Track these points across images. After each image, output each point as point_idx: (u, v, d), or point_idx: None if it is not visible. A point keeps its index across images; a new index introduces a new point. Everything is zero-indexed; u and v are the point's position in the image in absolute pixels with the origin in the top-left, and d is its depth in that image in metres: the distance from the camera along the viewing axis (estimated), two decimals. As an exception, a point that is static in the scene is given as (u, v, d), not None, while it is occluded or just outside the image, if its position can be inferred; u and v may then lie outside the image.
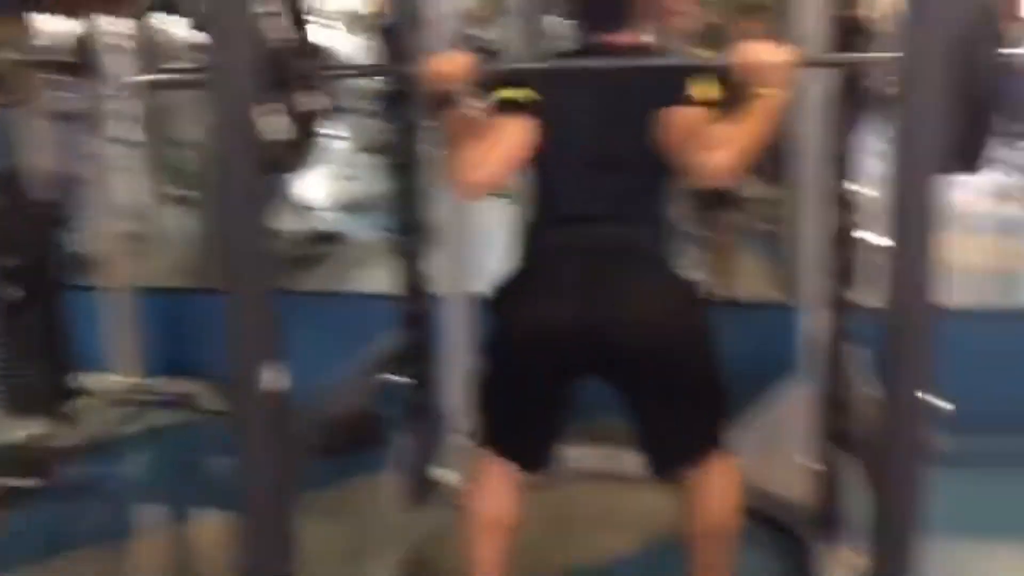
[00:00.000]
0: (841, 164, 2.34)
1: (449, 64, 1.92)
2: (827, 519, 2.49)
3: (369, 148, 7.60)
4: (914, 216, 1.43)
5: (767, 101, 1.82)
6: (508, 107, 1.97)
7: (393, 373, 2.48)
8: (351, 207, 7.34)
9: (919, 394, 1.50)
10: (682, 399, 1.97)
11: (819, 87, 2.49)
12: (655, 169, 1.97)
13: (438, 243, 2.73)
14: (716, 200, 4.11)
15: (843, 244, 2.35)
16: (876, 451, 1.61)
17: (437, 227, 2.71)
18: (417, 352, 2.61)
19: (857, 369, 2.18)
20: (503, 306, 2.04)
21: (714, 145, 1.83)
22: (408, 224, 2.56)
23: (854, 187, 2.33)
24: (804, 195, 2.85)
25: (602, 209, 1.97)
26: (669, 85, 1.93)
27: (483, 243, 2.98)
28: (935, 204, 1.42)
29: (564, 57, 2.17)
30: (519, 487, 2.09)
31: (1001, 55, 1.50)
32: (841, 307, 2.39)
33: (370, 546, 2.50)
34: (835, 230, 2.37)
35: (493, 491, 2.07)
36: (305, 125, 1.87)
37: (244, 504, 1.66)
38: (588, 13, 2.08)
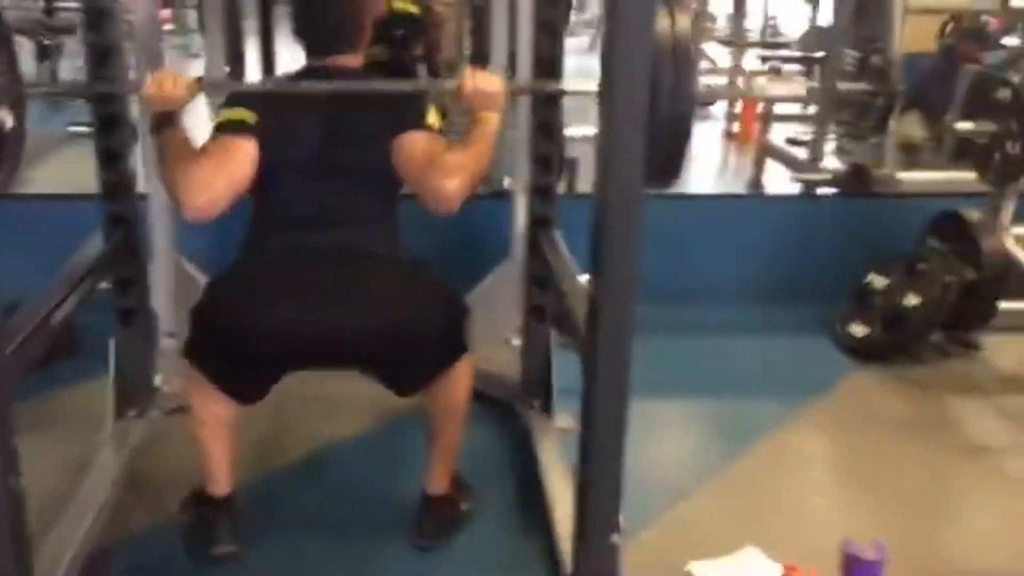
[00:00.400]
0: (548, 66, 2.49)
1: (171, 85, 1.91)
2: (532, 389, 2.71)
3: (16, 29, 6.89)
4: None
5: (488, 123, 1.99)
6: (229, 127, 2.01)
7: (100, 278, 2.34)
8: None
9: (628, 276, 1.67)
10: (412, 362, 2.09)
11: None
12: (381, 179, 2.06)
13: (139, 139, 2.58)
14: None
15: (545, 136, 2.52)
16: (585, 324, 1.77)
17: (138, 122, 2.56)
18: (124, 255, 2.48)
19: (554, 249, 2.36)
20: (212, 313, 2.03)
21: (448, 171, 1.94)
22: (106, 118, 2.39)
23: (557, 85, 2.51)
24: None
25: (327, 215, 2.04)
26: (395, 107, 2.07)
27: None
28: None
29: (291, 79, 2.20)
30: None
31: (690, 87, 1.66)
32: (539, 193, 2.57)
33: (85, 458, 2.39)
34: (537, 124, 2.53)
35: (209, 395, 2.08)
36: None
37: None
38: (308, 36, 2.14)
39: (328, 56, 2.12)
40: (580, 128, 3.63)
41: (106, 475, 2.34)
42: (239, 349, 2.01)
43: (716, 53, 7.86)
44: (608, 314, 1.68)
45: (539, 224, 2.57)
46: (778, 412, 2.93)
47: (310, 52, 2.16)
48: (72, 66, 6.55)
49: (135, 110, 2.49)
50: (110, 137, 2.41)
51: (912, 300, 3.25)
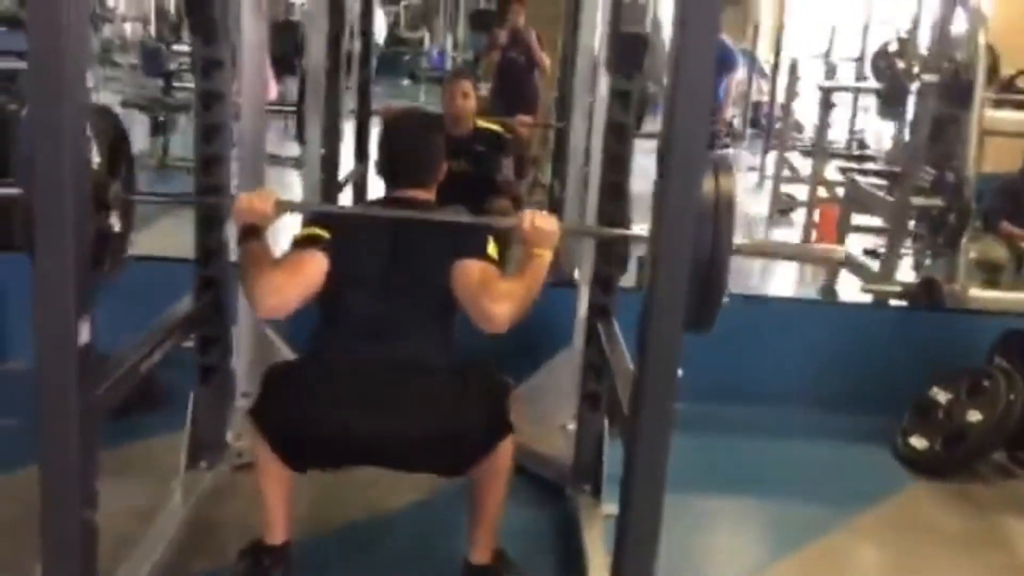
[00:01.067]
0: (617, 162, 2.64)
1: (261, 201, 2.21)
2: (583, 474, 2.78)
3: (133, 103, 7.39)
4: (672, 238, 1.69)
5: (541, 259, 2.18)
6: (306, 242, 2.23)
7: (186, 336, 2.52)
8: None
9: (669, 367, 1.75)
10: (461, 454, 2.23)
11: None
12: (439, 299, 2.23)
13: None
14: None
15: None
16: (629, 414, 1.86)
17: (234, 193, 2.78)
18: (210, 316, 2.66)
19: (612, 340, 2.45)
20: (282, 390, 2.21)
21: (498, 297, 2.12)
22: (208, 188, 2.60)
23: (626, 182, 2.65)
24: (576, 187, 3.14)
25: (385, 328, 2.22)
26: (458, 235, 2.27)
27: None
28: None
29: (370, 205, 2.51)
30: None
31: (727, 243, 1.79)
32: (601, 284, 2.68)
33: (154, 505, 2.54)
34: (604, 218, 2.67)
35: (270, 458, 2.23)
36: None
37: (45, 464, 1.70)
38: (388, 172, 2.40)
39: (403, 189, 2.36)
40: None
41: (173, 521, 2.47)
42: (295, 445, 2.19)
43: (800, 163, 7.96)
44: (649, 406, 1.75)
45: (598, 314, 2.67)
46: (829, 518, 2.93)
47: (389, 185, 2.41)
48: (185, 140, 6.96)
49: (233, 183, 2.72)
50: (210, 204, 2.62)
51: (974, 416, 3.24)
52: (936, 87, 4.22)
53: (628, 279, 3.19)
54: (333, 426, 2.13)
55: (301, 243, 2.25)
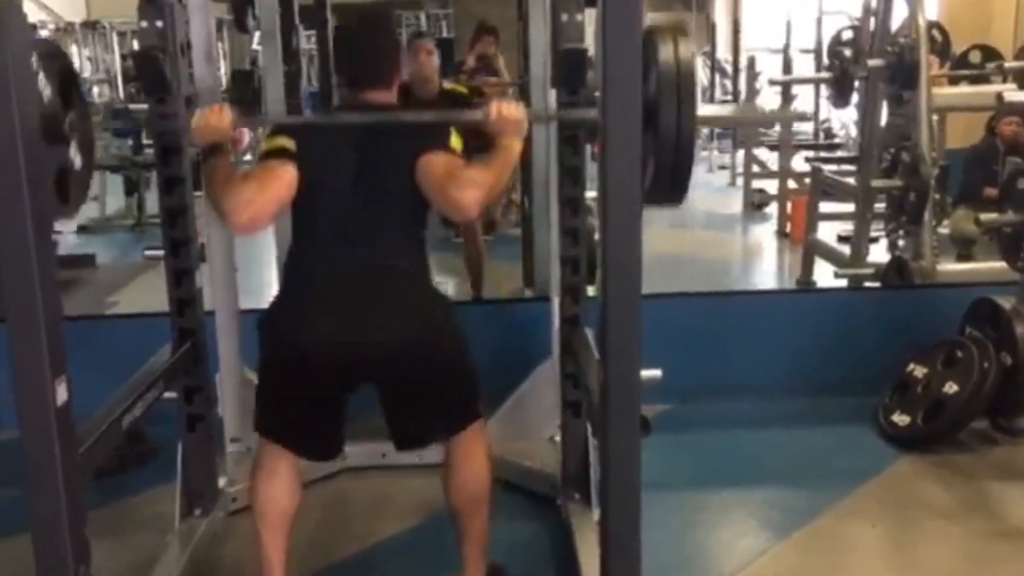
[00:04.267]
0: (572, 174, 2.70)
1: (217, 117, 2.20)
2: (572, 482, 2.83)
3: (105, 165, 7.44)
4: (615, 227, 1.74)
5: (509, 149, 2.20)
6: (273, 154, 2.22)
7: (167, 387, 2.56)
8: (92, 228, 7.15)
9: (631, 366, 1.80)
10: (425, 401, 2.25)
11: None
12: (411, 201, 2.23)
13: (204, 260, 2.85)
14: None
15: (572, 240, 2.71)
16: (599, 418, 1.90)
17: (203, 243, 2.83)
18: (190, 365, 2.71)
19: (584, 347, 2.51)
20: (270, 328, 2.25)
21: (464, 184, 2.13)
22: (176, 241, 2.65)
23: (582, 193, 2.71)
24: (544, 201, 3.20)
25: (358, 232, 2.21)
26: (420, 134, 2.25)
27: (248, 257, 3.11)
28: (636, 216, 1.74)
29: (332, 112, 2.41)
30: (298, 474, 2.30)
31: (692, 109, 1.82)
32: (569, 294, 2.74)
33: (153, 556, 2.57)
34: (565, 229, 2.73)
35: (274, 478, 2.25)
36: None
37: (35, 523, 1.73)
38: (347, 75, 2.41)
39: (363, 91, 2.34)
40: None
41: (172, 570, 2.50)
42: (289, 371, 2.19)
43: (769, 157, 8.06)
44: (615, 407, 1.80)
45: (570, 323, 2.73)
46: (820, 500, 2.98)
47: (349, 87, 2.40)
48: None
49: (203, 235, 2.77)
50: (179, 258, 2.67)
51: (951, 388, 3.30)
52: (883, 71, 4.30)
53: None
54: (319, 340, 2.14)
55: (268, 155, 2.23)
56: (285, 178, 2.19)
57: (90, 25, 13.33)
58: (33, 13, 12.74)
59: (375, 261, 2.21)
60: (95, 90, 12.26)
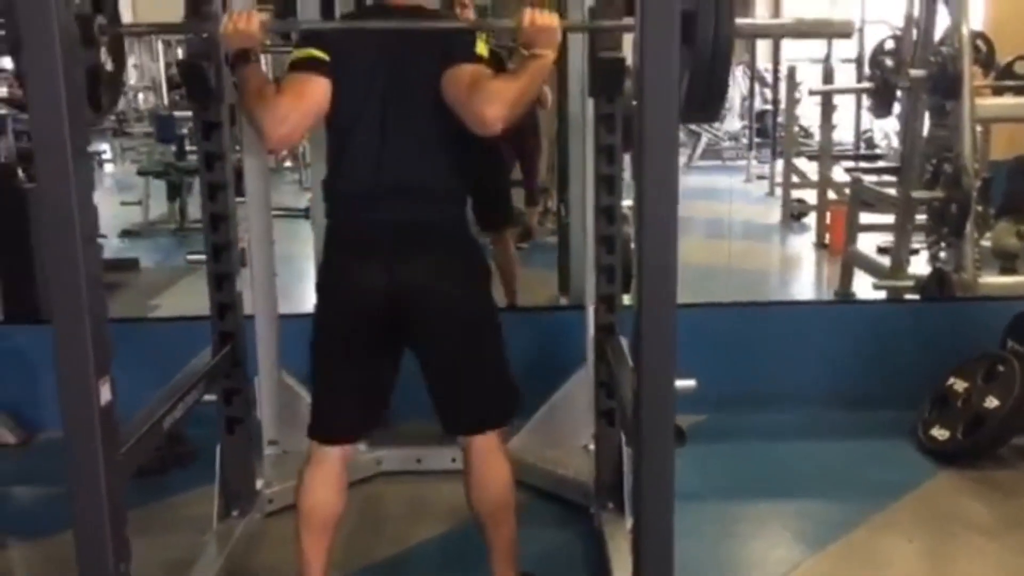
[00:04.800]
0: (608, 183, 2.71)
1: (245, 22, 2.11)
2: (606, 491, 2.83)
3: (149, 171, 7.58)
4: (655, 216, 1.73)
5: (542, 60, 2.10)
6: (304, 65, 2.15)
7: (207, 389, 2.60)
8: (136, 232, 7.27)
9: (665, 376, 1.80)
10: (467, 367, 2.26)
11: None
12: (441, 118, 2.13)
13: (245, 264, 2.89)
14: (501, 218, 4.49)
15: (607, 249, 2.71)
16: (632, 428, 1.90)
17: (244, 248, 2.88)
18: (230, 368, 2.75)
19: (619, 356, 2.51)
20: (322, 281, 2.27)
21: (490, 96, 2.04)
22: (217, 246, 2.69)
23: (618, 202, 2.71)
24: (580, 210, 3.21)
25: (393, 158, 2.15)
26: (447, 44, 2.16)
27: (288, 262, 3.16)
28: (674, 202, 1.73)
29: (355, 16, 2.40)
30: (346, 479, 2.32)
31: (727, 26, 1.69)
32: (604, 303, 2.75)
33: (191, 556, 2.61)
34: (600, 237, 2.73)
35: (324, 482, 2.27)
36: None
37: (77, 521, 1.77)
38: None
39: None
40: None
41: (209, 571, 2.54)
42: (340, 315, 2.22)
43: (808, 168, 7.99)
44: (649, 416, 1.80)
45: (604, 331, 2.73)
46: (856, 514, 2.96)
47: None
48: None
49: (243, 240, 2.81)
50: (220, 263, 2.71)
51: (991, 402, 3.25)
52: (924, 81, 4.26)
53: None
54: (365, 286, 2.16)
55: (299, 65, 2.16)
56: (319, 91, 2.13)
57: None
58: (81, 21, 12.99)
59: (415, 213, 2.17)
60: (139, 96, 12.46)
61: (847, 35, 2.31)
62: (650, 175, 1.68)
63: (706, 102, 1.78)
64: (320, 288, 2.28)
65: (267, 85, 2.15)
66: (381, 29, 2.26)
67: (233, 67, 2.19)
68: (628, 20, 1.82)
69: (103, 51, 1.99)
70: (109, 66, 2.03)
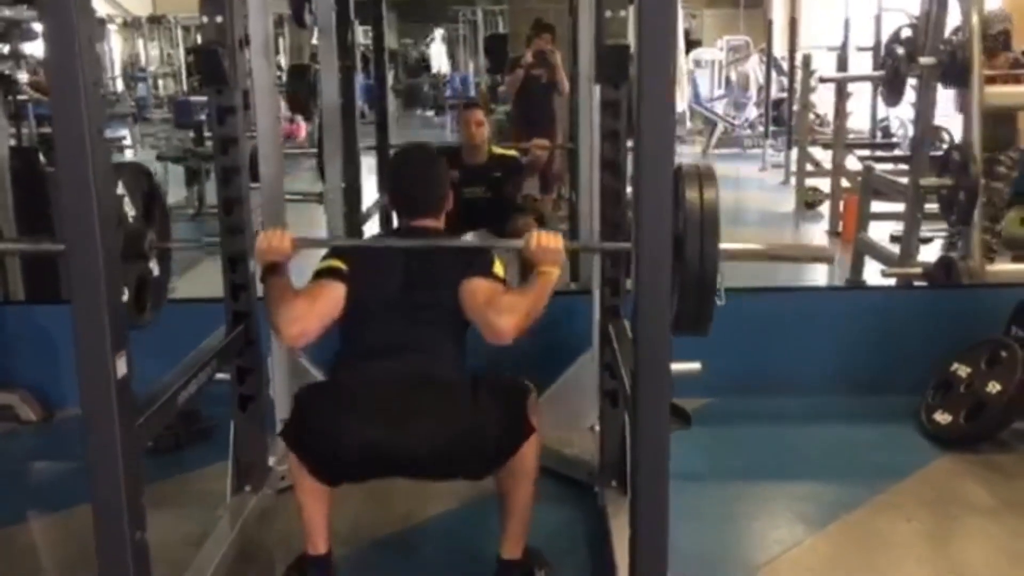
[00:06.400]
0: (613, 168, 2.76)
1: (278, 240, 2.37)
2: (610, 470, 2.89)
3: (167, 156, 7.67)
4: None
5: (547, 276, 2.33)
6: (325, 274, 2.41)
7: (220, 367, 2.67)
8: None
9: (661, 353, 1.85)
10: (483, 459, 2.34)
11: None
12: (451, 318, 2.39)
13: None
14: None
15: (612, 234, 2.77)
16: (631, 402, 1.96)
17: (257, 232, 2.93)
18: (243, 347, 2.82)
19: (622, 337, 2.57)
20: (309, 416, 2.34)
21: (503, 311, 2.27)
22: (231, 228, 2.76)
23: (623, 187, 2.77)
24: (587, 196, 3.26)
25: (402, 346, 2.36)
26: (465, 258, 2.44)
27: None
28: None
29: (384, 236, 2.77)
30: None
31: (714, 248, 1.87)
32: (609, 286, 2.80)
33: (205, 530, 2.69)
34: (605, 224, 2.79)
35: (305, 473, 2.35)
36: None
37: (95, 490, 1.84)
38: (400, 205, 2.65)
39: (414, 218, 2.55)
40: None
41: (222, 544, 2.62)
42: (324, 462, 2.32)
43: (824, 156, 8.00)
44: (646, 398, 1.85)
45: (609, 314, 2.78)
46: (857, 495, 3.00)
47: (402, 217, 2.62)
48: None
49: (257, 222, 2.88)
50: (234, 245, 2.78)
51: (994, 387, 3.29)
52: (935, 69, 4.27)
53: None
54: (358, 443, 2.25)
55: (320, 275, 2.42)
56: (334, 296, 2.37)
57: (156, 20, 13.70)
58: (101, 7, 13.14)
59: (418, 372, 2.33)
60: (160, 83, 12.55)
61: (828, 261, 2.45)
62: (647, 163, 1.74)
63: (697, 318, 1.91)
64: (307, 423, 2.35)
65: (289, 290, 2.37)
66: (391, 246, 2.59)
67: (263, 277, 2.43)
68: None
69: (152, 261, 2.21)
70: (156, 272, 2.25)
